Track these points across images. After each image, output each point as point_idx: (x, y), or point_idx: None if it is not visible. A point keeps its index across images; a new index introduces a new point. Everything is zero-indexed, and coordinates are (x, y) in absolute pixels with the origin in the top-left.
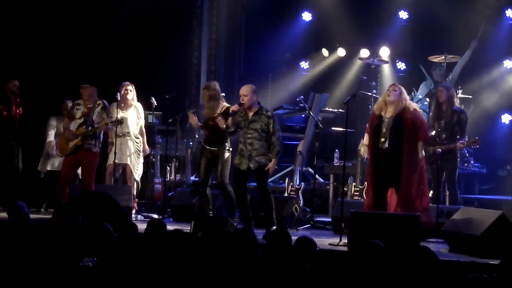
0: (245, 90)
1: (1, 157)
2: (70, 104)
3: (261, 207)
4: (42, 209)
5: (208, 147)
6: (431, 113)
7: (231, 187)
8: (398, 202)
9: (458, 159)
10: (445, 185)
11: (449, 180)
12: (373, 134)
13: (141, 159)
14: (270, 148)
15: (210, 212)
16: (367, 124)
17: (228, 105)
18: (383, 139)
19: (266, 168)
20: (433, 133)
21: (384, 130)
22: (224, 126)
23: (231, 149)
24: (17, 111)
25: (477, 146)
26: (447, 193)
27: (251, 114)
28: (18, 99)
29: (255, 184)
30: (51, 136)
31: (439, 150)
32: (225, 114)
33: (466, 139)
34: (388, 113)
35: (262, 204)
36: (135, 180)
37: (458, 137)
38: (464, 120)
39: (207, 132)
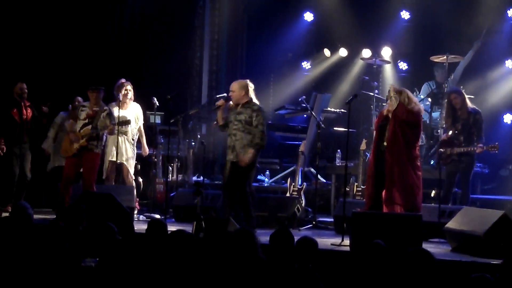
0: (233, 86)
1: (10, 162)
2: (80, 100)
3: (264, 207)
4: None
5: None
6: (444, 117)
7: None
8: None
9: (475, 162)
10: (450, 185)
11: (464, 181)
12: (378, 133)
13: (134, 159)
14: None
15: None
16: (375, 122)
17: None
18: (385, 142)
19: (241, 164)
20: (450, 133)
21: (387, 133)
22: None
23: None
24: (27, 114)
25: (496, 151)
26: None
27: (239, 107)
28: (27, 102)
29: (256, 184)
30: (48, 142)
31: (453, 151)
32: None
33: (483, 141)
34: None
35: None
36: (133, 179)
37: (475, 138)
38: (480, 120)
39: None
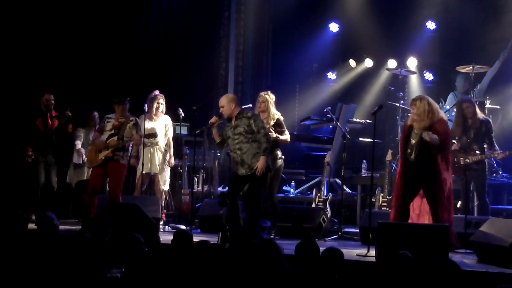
0: (221, 101)
1: (36, 171)
2: (96, 114)
3: (289, 217)
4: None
5: None
6: (454, 126)
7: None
8: (433, 216)
9: (487, 169)
10: (473, 195)
11: (479, 190)
12: (404, 145)
13: (168, 170)
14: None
15: None
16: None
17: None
18: (409, 151)
19: (258, 174)
20: (456, 142)
21: (412, 142)
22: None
23: (283, 157)
24: (53, 124)
25: None
26: (475, 204)
27: (234, 120)
28: (54, 112)
29: (281, 195)
30: (79, 145)
31: (467, 160)
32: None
33: (497, 148)
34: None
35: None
36: (163, 190)
37: (485, 146)
38: (491, 130)
39: None
